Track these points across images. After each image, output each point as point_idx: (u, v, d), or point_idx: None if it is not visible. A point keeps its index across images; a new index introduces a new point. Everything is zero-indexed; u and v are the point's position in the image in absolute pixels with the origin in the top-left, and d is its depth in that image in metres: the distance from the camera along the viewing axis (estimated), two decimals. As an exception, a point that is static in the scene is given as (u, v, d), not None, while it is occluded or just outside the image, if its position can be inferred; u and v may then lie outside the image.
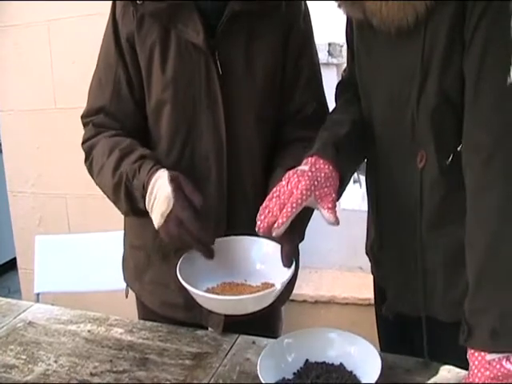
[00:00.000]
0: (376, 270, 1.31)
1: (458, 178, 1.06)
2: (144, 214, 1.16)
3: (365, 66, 1.19)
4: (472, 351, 1.00)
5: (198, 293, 1.05)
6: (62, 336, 1.31)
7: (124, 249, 1.43)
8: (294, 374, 1.09)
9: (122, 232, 1.44)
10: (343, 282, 2.57)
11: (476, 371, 0.99)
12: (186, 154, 1.24)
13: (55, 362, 1.21)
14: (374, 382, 1.00)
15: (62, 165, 2.47)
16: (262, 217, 1.06)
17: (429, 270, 1.14)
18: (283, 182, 1.08)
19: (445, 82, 1.05)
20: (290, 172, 1.09)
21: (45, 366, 1.20)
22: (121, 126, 1.27)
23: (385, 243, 1.22)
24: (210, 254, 1.11)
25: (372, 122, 1.19)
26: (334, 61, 2.43)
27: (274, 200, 1.07)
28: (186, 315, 1.30)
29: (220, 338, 1.27)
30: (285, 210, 1.04)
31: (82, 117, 1.31)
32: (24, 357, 1.23)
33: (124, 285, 1.47)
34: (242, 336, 1.27)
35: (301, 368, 1.10)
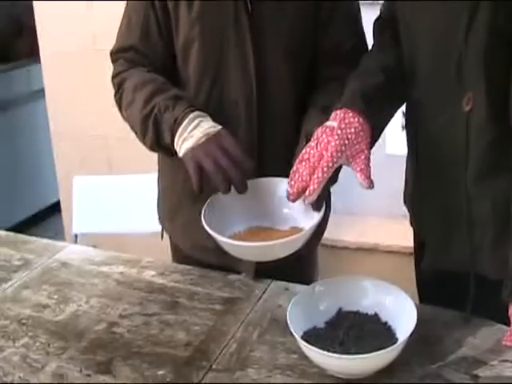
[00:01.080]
0: (415, 221, 1.24)
1: (507, 123, 0.98)
2: (167, 152, 1.13)
3: (406, 1, 1.09)
4: None
5: (223, 239, 1.01)
6: (94, 277, 1.30)
7: (158, 190, 1.40)
8: (326, 323, 1.05)
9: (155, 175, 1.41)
10: (387, 229, 2.51)
11: (520, 329, 0.93)
12: (213, 95, 1.19)
13: (86, 302, 1.21)
14: (408, 334, 0.94)
15: (103, 106, 2.44)
16: (293, 182, 1.01)
17: (475, 222, 1.07)
18: (312, 144, 1.01)
19: (497, 15, 0.95)
20: (319, 130, 1.02)
21: (76, 306, 1.20)
22: (151, 64, 1.23)
23: (425, 193, 1.15)
24: (244, 186, 1.04)
25: (414, 64, 1.10)
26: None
27: (303, 164, 1.01)
28: (217, 259, 1.27)
29: (252, 283, 1.25)
30: (315, 176, 0.98)
31: (112, 53, 1.28)
32: (56, 297, 1.24)
33: (159, 227, 1.45)
34: (275, 282, 1.24)
35: (333, 317, 1.06)
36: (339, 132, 0.99)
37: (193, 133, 1.07)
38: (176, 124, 1.09)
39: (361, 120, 1.01)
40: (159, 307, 1.18)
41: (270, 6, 1.14)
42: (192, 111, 1.09)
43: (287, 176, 1.06)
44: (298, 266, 1.25)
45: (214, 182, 1.03)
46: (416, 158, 1.17)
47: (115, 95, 1.24)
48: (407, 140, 1.22)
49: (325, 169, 0.97)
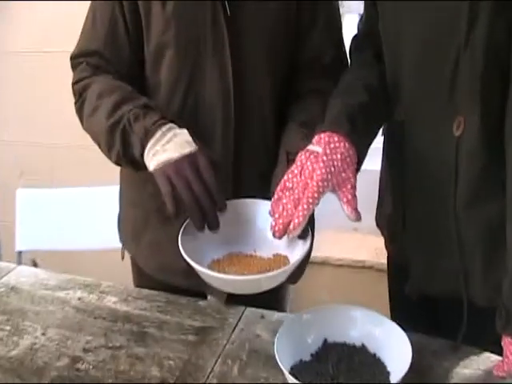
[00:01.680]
0: (394, 246, 1.19)
1: (499, 149, 0.94)
2: (135, 166, 1.04)
3: (390, 13, 1.04)
4: (509, 339, 0.91)
5: (203, 270, 0.92)
6: (49, 304, 1.18)
7: (120, 207, 1.30)
8: (312, 355, 0.99)
9: (113, 187, 1.32)
10: (338, 242, 2.48)
11: (514, 360, 0.90)
12: (188, 103, 1.11)
13: (43, 334, 1.09)
14: (405, 370, 0.89)
15: (48, 112, 2.29)
16: (277, 215, 0.93)
17: (465, 248, 1.02)
18: (295, 171, 0.94)
19: (495, 30, 0.91)
20: (302, 156, 0.95)
21: (31, 338, 1.08)
22: (116, 71, 1.13)
23: (410, 217, 1.09)
24: (217, 223, 0.96)
25: (399, 83, 1.04)
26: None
27: (287, 194, 0.93)
28: (186, 281, 1.19)
29: (225, 310, 1.16)
30: (300, 208, 0.91)
31: (73, 57, 1.17)
32: (8, 328, 1.11)
33: (113, 244, 1.36)
34: (249, 309, 1.16)
35: (319, 349, 1.00)
36: (325, 158, 0.92)
37: (166, 146, 0.98)
38: (148, 135, 0.99)
39: (347, 145, 0.94)
40: (126, 339, 1.08)
41: (249, 8, 1.07)
42: (165, 123, 1.00)
43: (265, 188, 1.00)
44: (273, 292, 1.18)
45: (186, 208, 0.94)
46: (398, 183, 1.11)
47: (76, 103, 1.14)
48: (386, 160, 1.17)
49: (310, 200, 0.90)
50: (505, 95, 0.93)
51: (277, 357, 0.92)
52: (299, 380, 0.89)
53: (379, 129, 1.10)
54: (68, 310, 1.16)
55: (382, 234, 1.24)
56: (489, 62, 0.92)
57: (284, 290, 1.32)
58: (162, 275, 1.22)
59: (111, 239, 1.37)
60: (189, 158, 0.96)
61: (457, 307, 1.05)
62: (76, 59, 1.16)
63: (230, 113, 1.10)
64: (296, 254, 0.95)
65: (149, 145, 0.99)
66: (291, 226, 0.91)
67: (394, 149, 1.12)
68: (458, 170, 0.99)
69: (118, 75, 1.12)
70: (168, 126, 1.00)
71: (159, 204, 1.14)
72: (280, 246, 0.99)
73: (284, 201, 0.93)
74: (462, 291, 1.03)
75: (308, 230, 0.95)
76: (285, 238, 0.96)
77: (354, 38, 1.19)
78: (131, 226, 1.25)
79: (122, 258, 1.32)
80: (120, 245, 1.32)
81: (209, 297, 1.24)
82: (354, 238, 2.51)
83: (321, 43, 1.14)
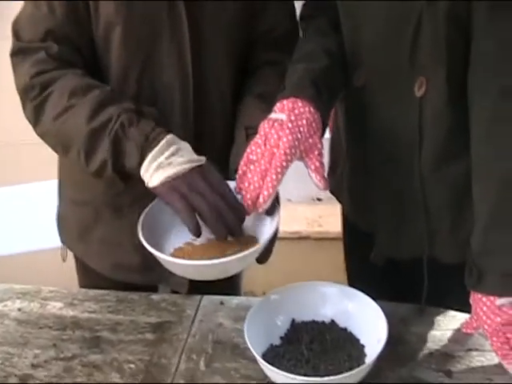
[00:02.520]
0: (356, 212, 1.15)
1: (463, 109, 0.92)
2: (124, 175, 0.93)
3: None
4: (479, 296, 0.91)
5: (168, 259, 0.86)
6: (-14, 320, 1.08)
7: (60, 205, 1.20)
8: (282, 338, 0.94)
9: (42, 183, 1.21)
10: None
11: (485, 318, 0.90)
12: (144, 86, 1.01)
13: (-17, 354, 0.99)
14: (382, 344, 0.86)
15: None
16: (244, 192, 0.87)
17: (431, 209, 1.01)
18: (259, 141, 0.88)
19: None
20: (265, 125, 0.89)
21: (-29, 360, 0.98)
22: (83, 57, 1.01)
23: (373, 183, 1.06)
24: (241, 230, 0.89)
25: (358, 48, 1.00)
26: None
27: (252, 167, 0.87)
28: (142, 277, 1.12)
29: (181, 301, 1.09)
30: (269, 179, 0.86)
31: (21, 46, 1.00)
32: None
33: (47, 245, 1.26)
34: (206, 297, 1.10)
35: (288, 331, 0.95)
36: (290, 125, 0.87)
37: (172, 159, 0.88)
38: (148, 143, 0.89)
39: (312, 110, 0.90)
40: (78, 347, 0.99)
41: None
42: (165, 131, 0.91)
43: (226, 168, 0.95)
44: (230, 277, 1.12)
45: (208, 225, 0.87)
46: (358, 147, 1.07)
47: (34, 98, 0.98)
48: (345, 127, 1.12)
49: (278, 169, 0.85)
50: (467, 56, 0.90)
51: (249, 345, 0.87)
52: (275, 367, 0.84)
53: (340, 94, 1.06)
54: (8, 323, 1.06)
55: (340, 201, 1.20)
56: (451, 23, 0.89)
57: (240, 273, 1.27)
58: (117, 273, 1.15)
59: (45, 240, 1.28)
60: (198, 171, 0.88)
61: (419, 270, 1.04)
62: (27, 50, 1.00)
63: (188, 95, 1.03)
64: (265, 232, 0.90)
65: (150, 156, 0.89)
66: (260, 199, 0.86)
67: (354, 115, 1.08)
68: (422, 131, 0.97)
69: (81, 62, 1.00)
70: (170, 135, 0.91)
71: (110, 200, 1.08)
72: (246, 226, 0.93)
73: (249, 175, 0.87)
74: (427, 249, 1.02)
75: (275, 204, 0.90)
76: (251, 216, 0.91)
77: (305, 5, 1.14)
78: (77, 226, 1.16)
79: (64, 259, 1.22)
80: (56, 245, 1.23)
81: (160, 289, 1.18)
82: (284, 210, 2.49)
83: (275, 16, 1.10)
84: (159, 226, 0.93)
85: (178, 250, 0.92)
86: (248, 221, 0.90)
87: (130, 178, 0.93)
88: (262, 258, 0.91)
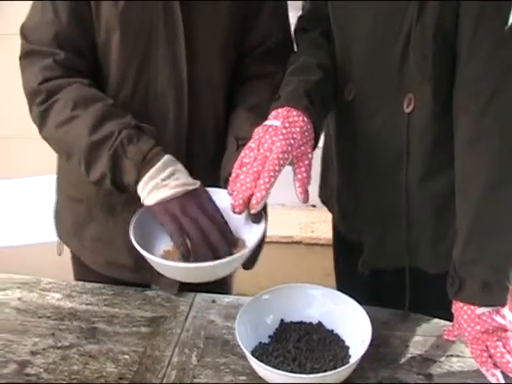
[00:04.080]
0: (344, 222, 1.19)
1: (448, 125, 0.97)
2: (121, 189, 0.97)
3: None
4: (460, 305, 0.95)
5: (156, 260, 0.90)
6: (-14, 307, 1.12)
7: (57, 200, 1.23)
8: (270, 337, 0.98)
9: (45, 177, 1.24)
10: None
11: (465, 325, 0.94)
12: (139, 90, 1.05)
13: (-16, 340, 1.03)
14: (367, 345, 0.90)
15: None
16: (235, 193, 0.90)
17: (414, 221, 1.05)
18: (252, 145, 0.92)
19: (442, 15, 0.92)
20: (259, 130, 0.93)
21: (-28, 346, 1.02)
22: (88, 65, 1.05)
23: (359, 195, 1.10)
24: (228, 252, 0.92)
25: (349, 62, 1.04)
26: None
27: (244, 169, 0.91)
28: (134, 276, 1.15)
29: (175, 298, 1.13)
30: (262, 181, 0.88)
31: (29, 50, 1.04)
32: None
33: (46, 239, 1.29)
34: (200, 294, 1.14)
35: (277, 330, 0.99)
36: (284, 131, 0.91)
37: (167, 181, 0.92)
38: (145, 163, 0.93)
39: (305, 119, 0.94)
40: (75, 336, 1.03)
41: None
42: (162, 151, 0.95)
43: (216, 175, 0.99)
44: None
45: (194, 247, 0.91)
46: (345, 159, 1.12)
47: (40, 104, 1.01)
48: (335, 137, 1.16)
49: (271, 173, 0.89)
50: (454, 73, 0.95)
51: (239, 342, 0.91)
52: (263, 363, 0.88)
53: (332, 106, 1.10)
54: (9, 311, 1.10)
55: (330, 210, 1.24)
56: (438, 41, 0.93)
57: (230, 275, 1.30)
58: (109, 270, 1.18)
59: (44, 233, 1.31)
60: (191, 194, 0.92)
61: (401, 278, 1.08)
62: (35, 54, 1.03)
63: (182, 100, 1.05)
64: (251, 238, 0.93)
65: (147, 175, 0.92)
66: (253, 201, 0.89)
67: (343, 127, 1.12)
68: (410, 145, 1.00)
69: (86, 68, 1.04)
70: (167, 156, 0.94)
71: (103, 198, 1.11)
72: (236, 232, 0.97)
73: (241, 176, 0.90)
74: (407, 260, 1.06)
75: (261, 212, 0.94)
76: (240, 222, 0.95)
77: (300, 19, 1.18)
78: (72, 221, 1.19)
79: (59, 253, 1.26)
80: (54, 239, 1.26)
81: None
82: (277, 214, 2.53)
83: (267, 28, 1.12)
84: (151, 227, 0.96)
85: (168, 252, 0.96)
86: (237, 226, 0.95)
87: (129, 190, 0.96)
88: (249, 263, 0.95)
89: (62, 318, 1.08)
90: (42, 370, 0.96)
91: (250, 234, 0.95)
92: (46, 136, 1.03)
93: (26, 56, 1.04)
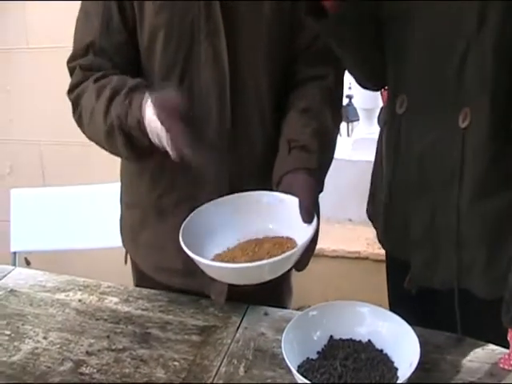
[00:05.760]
0: (391, 240, 1.17)
1: (505, 143, 0.95)
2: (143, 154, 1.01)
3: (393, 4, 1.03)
4: None
5: (203, 261, 0.91)
6: (49, 307, 1.17)
7: (120, 208, 1.28)
8: (319, 353, 0.98)
9: (106, 185, 1.29)
10: (332, 233, 2.48)
11: (520, 354, 0.90)
12: (183, 90, 1.06)
13: (44, 338, 1.08)
14: (414, 366, 0.88)
15: (36, 109, 2.26)
16: None
17: (465, 242, 1.01)
18: None
19: (505, 29, 0.90)
20: None
21: (33, 343, 1.07)
22: (112, 63, 1.09)
23: (409, 213, 1.07)
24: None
25: (401, 75, 1.04)
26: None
27: None
28: (184, 281, 1.17)
29: (228, 309, 1.15)
30: None
31: (69, 62, 1.12)
32: (8, 332, 1.10)
33: (109, 244, 1.34)
34: (252, 307, 1.15)
35: (325, 346, 0.99)
36: None
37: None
38: (142, 124, 0.96)
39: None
40: (129, 340, 1.07)
41: None
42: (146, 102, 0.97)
43: (264, 176, 1.01)
44: (273, 287, 1.16)
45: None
46: (398, 174, 1.09)
47: (74, 114, 1.09)
48: (385, 152, 1.15)
49: None
50: None
51: (285, 356, 0.91)
52: (308, 379, 0.88)
53: None
54: (69, 312, 1.15)
55: (375, 227, 1.23)
56: (498, 57, 0.91)
57: (285, 285, 1.31)
58: (160, 275, 1.21)
59: (108, 238, 1.36)
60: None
61: (452, 300, 1.05)
62: (71, 63, 1.11)
63: (225, 100, 1.07)
64: (302, 238, 0.93)
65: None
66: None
67: (394, 142, 1.10)
68: (464, 163, 0.98)
69: (114, 67, 1.08)
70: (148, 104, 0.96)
71: (154, 202, 1.14)
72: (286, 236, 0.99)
73: None
74: (456, 284, 1.03)
75: (313, 214, 0.96)
76: (289, 225, 0.97)
77: None
78: (129, 227, 1.24)
79: (126, 261, 1.29)
80: (116, 244, 1.31)
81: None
82: (344, 229, 2.51)
83: (312, 32, 1.11)
84: (201, 232, 0.98)
85: (218, 256, 0.97)
86: (285, 229, 0.97)
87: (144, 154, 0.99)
88: (300, 265, 0.95)
89: (117, 322, 1.12)
90: (95, 370, 1.00)
91: (301, 234, 0.95)
92: (90, 139, 1.09)
93: (68, 62, 1.12)
